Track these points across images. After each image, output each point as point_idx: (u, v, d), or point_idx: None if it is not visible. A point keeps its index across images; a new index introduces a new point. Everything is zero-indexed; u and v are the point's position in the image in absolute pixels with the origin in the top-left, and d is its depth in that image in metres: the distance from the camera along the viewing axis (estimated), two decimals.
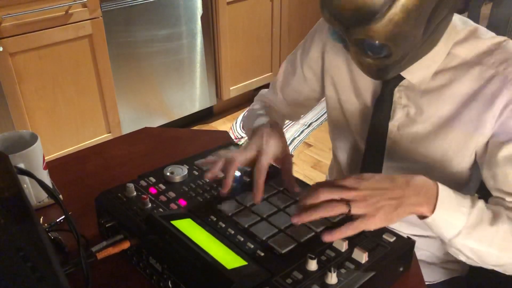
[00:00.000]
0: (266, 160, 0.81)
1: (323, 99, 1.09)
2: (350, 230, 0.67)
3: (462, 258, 0.77)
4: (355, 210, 0.68)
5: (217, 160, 0.82)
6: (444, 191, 0.72)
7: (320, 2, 0.77)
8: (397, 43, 0.73)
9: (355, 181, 0.70)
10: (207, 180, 0.84)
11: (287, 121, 1.22)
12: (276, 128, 0.92)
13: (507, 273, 0.77)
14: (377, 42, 0.73)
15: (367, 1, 0.70)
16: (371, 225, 0.68)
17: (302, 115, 1.18)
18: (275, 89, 1.12)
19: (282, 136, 0.89)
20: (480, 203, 0.75)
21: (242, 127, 1.11)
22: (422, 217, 0.73)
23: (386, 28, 0.71)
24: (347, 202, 0.68)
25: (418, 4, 0.70)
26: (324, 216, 0.69)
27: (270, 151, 0.83)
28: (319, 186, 0.71)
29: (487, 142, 0.83)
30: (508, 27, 3.56)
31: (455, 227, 0.72)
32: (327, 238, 0.67)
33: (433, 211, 0.71)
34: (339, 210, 0.68)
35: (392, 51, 0.75)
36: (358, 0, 0.70)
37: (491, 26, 3.40)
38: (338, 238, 0.68)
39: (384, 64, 0.78)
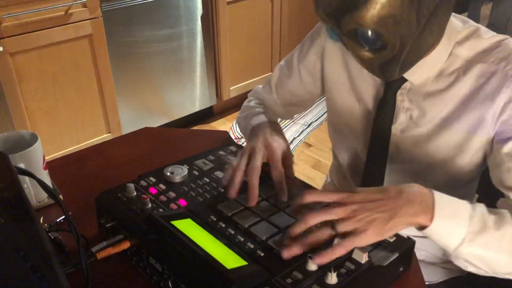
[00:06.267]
0: (259, 160, 0.81)
1: (319, 99, 1.09)
2: (341, 249, 0.64)
3: (471, 269, 0.72)
4: (341, 228, 0.65)
5: (234, 174, 0.81)
6: (441, 198, 0.69)
7: (314, 5, 0.77)
8: (388, 29, 0.72)
9: (344, 195, 0.68)
10: (210, 184, 0.84)
11: (287, 120, 1.22)
12: (277, 126, 0.92)
13: None
14: (369, 31, 0.73)
15: None
16: (362, 241, 0.65)
17: (296, 115, 1.18)
18: (270, 89, 1.11)
19: (283, 133, 0.90)
20: (480, 207, 0.71)
21: (238, 125, 1.09)
22: (422, 228, 0.69)
23: (372, 12, 0.70)
24: (332, 223, 0.66)
25: None
26: (314, 243, 0.66)
27: (276, 148, 0.84)
28: (308, 201, 0.70)
29: (493, 142, 0.83)
30: (508, 27, 3.56)
31: (457, 235, 0.68)
32: (317, 261, 0.63)
33: (431, 220, 0.67)
34: (325, 234, 0.66)
35: (386, 40, 0.73)
36: None
37: (491, 26, 3.40)
38: (328, 261, 0.63)
39: (384, 58, 0.77)
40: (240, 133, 2.69)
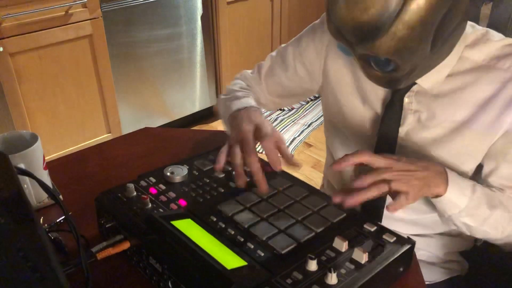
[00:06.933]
0: (252, 142, 0.80)
1: (318, 100, 1.09)
2: (400, 204, 0.74)
3: (453, 227, 0.87)
4: (395, 187, 0.74)
5: (235, 168, 0.80)
6: (452, 175, 0.80)
7: (326, 17, 0.77)
8: (403, 58, 0.73)
9: (389, 161, 0.76)
10: (209, 177, 0.84)
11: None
12: (258, 110, 0.91)
13: (488, 241, 0.88)
14: (382, 57, 0.74)
15: (369, 18, 0.69)
16: (405, 201, 0.75)
17: (278, 108, 1.17)
18: (259, 78, 1.09)
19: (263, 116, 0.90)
20: (481, 189, 0.83)
21: (218, 106, 1.07)
22: (436, 196, 0.80)
23: (389, 44, 0.71)
24: (388, 181, 0.74)
25: (422, 20, 0.69)
26: (372, 196, 0.74)
27: (268, 127, 0.83)
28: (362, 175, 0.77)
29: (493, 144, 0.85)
30: (508, 27, 3.56)
31: (457, 207, 0.81)
32: (392, 210, 0.74)
33: (444, 192, 0.79)
34: (382, 189, 0.74)
35: (399, 65, 0.75)
36: (360, 18, 0.70)
37: (491, 26, 3.40)
38: (400, 208, 0.75)
39: (393, 77, 0.78)
40: None
